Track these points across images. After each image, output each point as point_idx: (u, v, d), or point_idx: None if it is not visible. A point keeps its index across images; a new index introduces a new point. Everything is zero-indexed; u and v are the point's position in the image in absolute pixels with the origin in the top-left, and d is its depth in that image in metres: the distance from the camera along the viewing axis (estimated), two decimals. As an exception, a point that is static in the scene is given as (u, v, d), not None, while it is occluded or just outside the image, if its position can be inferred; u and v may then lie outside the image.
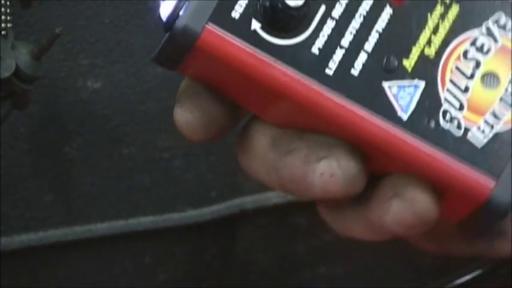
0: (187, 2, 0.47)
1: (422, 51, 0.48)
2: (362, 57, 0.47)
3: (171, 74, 0.62)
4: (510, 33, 0.48)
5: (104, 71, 0.76)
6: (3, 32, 0.62)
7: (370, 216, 0.48)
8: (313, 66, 0.47)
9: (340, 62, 0.47)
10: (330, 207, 0.51)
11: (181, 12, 0.47)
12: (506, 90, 0.48)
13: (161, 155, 0.80)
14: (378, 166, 0.48)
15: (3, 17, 0.62)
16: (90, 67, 0.76)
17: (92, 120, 0.78)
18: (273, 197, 0.83)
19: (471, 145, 0.47)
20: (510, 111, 0.48)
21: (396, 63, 0.47)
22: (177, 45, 0.46)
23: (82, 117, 0.77)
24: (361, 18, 0.48)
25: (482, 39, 0.48)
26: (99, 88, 0.77)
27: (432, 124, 0.47)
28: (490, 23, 0.48)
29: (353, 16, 0.48)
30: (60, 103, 0.77)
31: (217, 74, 0.49)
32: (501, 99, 0.48)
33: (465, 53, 0.48)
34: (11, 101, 0.63)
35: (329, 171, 0.46)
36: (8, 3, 0.63)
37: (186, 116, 0.48)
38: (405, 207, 0.46)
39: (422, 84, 0.48)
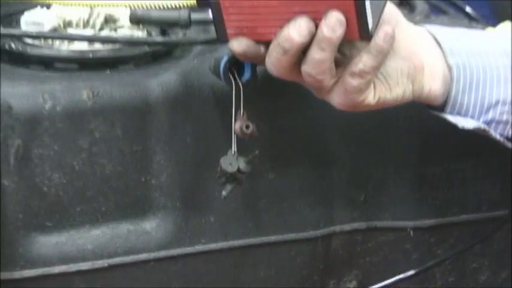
0: None
1: None
2: None
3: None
4: None
5: (273, 165, 1.02)
6: (233, 153, 0.91)
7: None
8: None
9: None
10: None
11: None
12: None
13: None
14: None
15: (233, 147, 0.91)
16: (266, 163, 1.03)
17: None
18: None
19: None
20: None
21: None
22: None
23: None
24: None
25: None
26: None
27: None
28: None
29: None
30: (253, 183, 1.01)
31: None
32: None
33: None
34: (236, 183, 0.93)
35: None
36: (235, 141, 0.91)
37: (237, 45, 0.79)
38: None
39: None
